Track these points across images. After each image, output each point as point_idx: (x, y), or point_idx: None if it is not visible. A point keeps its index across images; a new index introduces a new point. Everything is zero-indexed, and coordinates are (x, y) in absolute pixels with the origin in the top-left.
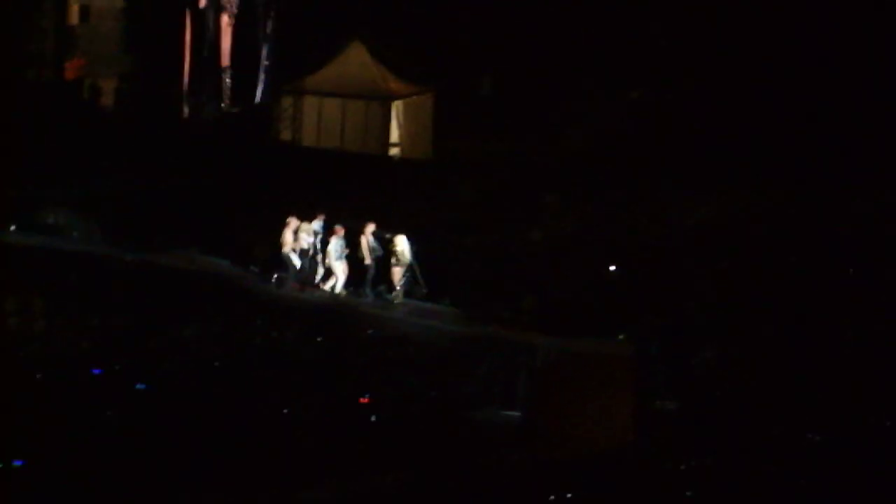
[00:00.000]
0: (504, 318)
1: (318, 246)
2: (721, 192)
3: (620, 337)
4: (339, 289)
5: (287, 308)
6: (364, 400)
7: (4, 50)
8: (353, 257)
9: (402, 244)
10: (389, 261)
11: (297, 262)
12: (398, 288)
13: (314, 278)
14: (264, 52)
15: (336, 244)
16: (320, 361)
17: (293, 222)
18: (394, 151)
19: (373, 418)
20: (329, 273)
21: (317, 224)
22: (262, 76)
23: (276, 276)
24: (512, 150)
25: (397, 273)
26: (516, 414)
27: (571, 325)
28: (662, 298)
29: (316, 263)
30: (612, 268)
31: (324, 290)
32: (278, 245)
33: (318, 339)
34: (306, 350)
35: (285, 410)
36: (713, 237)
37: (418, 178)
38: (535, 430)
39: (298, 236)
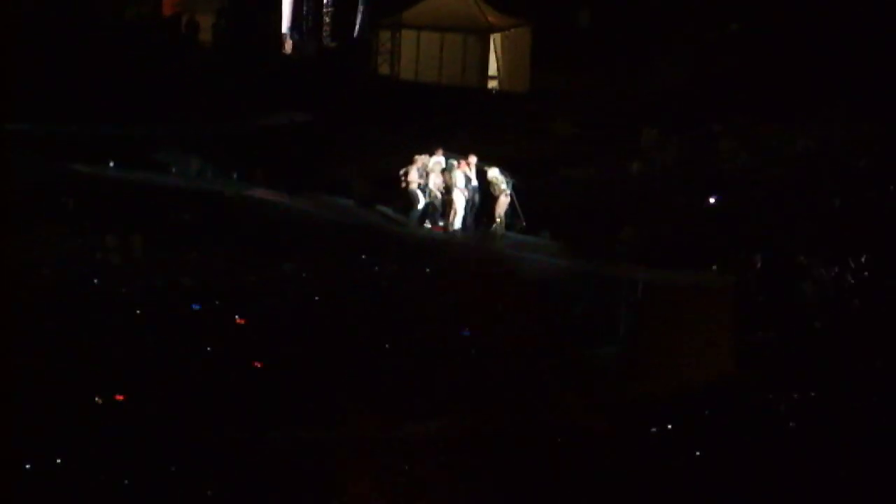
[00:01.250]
0: (604, 252)
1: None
2: (821, 123)
3: (716, 269)
4: (457, 224)
5: (402, 244)
6: (465, 334)
7: None
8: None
9: (494, 175)
10: (490, 193)
11: (422, 199)
12: (499, 220)
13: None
14: None
15: (461, 176)
16: (422, 296)
17: (420, 159)
18: (492, 84)
19: (473, 352)
20: (447, 206)
21: (439, 157)
22: (360, 10)
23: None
24: (610, 83)
25: (501, 205)
26: (618, 348)
27: (671, 257)
28: (762, 230)
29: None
30: (712, 200)
31: (449, 229)
32: (400, 183)
33: (422, 273)
34: (408, 284)
35: (387, 345)
36: (813, 168)
37: (516, 111)
38: (637, 363)
39: (427, 173)
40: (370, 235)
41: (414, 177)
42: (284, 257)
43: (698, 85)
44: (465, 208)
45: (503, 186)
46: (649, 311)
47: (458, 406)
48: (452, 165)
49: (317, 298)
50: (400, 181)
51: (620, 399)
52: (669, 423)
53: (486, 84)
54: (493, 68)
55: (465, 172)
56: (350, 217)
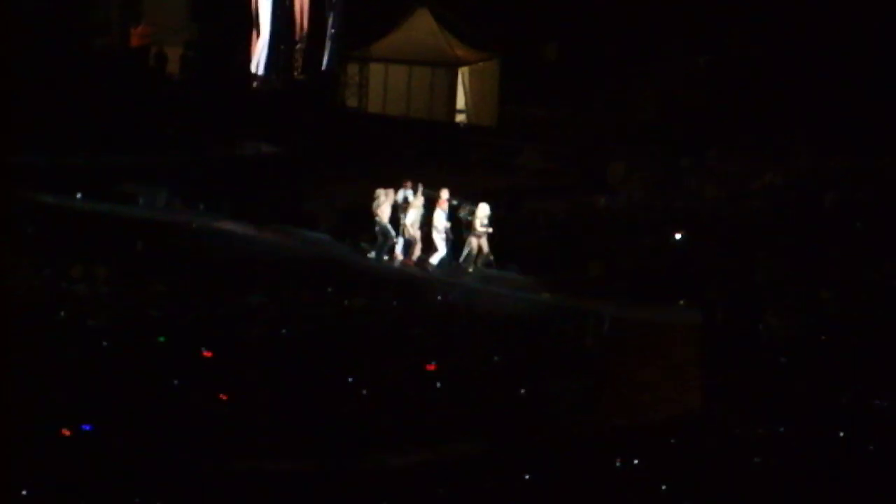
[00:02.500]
0: (570, 285)
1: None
2: (788, 157)
3: (683, 303)
4: (435, 261)
5: (370, 278)
6: (430, 367)
7: (71, 18)
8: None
9: (483, 212)
10: (470, 230)
11: (393, 234)
12: (484, 254)
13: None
14: (331, 19)
15: (440, 214)
16: (389, 329)
17: (386, 193)
18: (460, 118)
19: (438, 385)
20: (430, 245)
21: (407, 192)
22: (328, 44)
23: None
24: (577, 117)
25: (481, 242)
26: (583, 381)
27: (637, 291)
28: (729, 265)
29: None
30: (678, 235)
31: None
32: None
33: (389, 307)
34: (376, 318)
35: (350, 379)
36: (780, 203)
37: (484, 145)
38: (602, 397)
39: (404, 208)
40: (339, 269)
41: (385, 211)
42: (251, 290)
43: (666, 119)
44: (447, 246)
45: (485, 224)
46: (615, 346)
47: (424, 437)
48: (411, 200)
49: (283, 331)
50: (373, 215)
51: (585, 432)
52: (634, 457)
53: (454, 117)
54: (461, 102)
55: (443, 210)
56: (319, 250)
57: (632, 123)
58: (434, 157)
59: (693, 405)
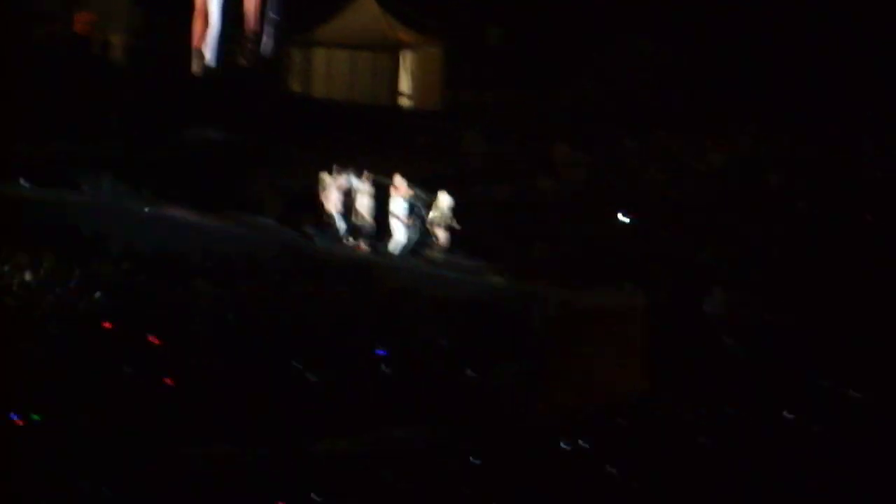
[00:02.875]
0: (517, 269)
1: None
2: (732, 138)
3: (629, 286)
4: (392, 248)
5: (316, 263)
6: (377, 352)
7: (11, 6)
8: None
9: (445, 203)
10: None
11: (340, 221)
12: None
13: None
14: (270, 3)
15: (398, 202)
16: (336, 315)
17: (337, 179)
18: (404, 102)
19: (385, 369)
20: (388, 233)
21: (344, 178)
22: (269, 29)
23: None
24: (521, 100)
25: (440, 232)
26: (530, 364)
27: (582, 274)
28: (674, 247)
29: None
30: (624, 217)
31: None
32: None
33: (335, 293)
34: (323, 303)
35: (295, 363)
36: (724, 184)
37: (428, 129)
38: (548, 380)
39: (353, 194)
40: (286, 254)
41: (331, 196)
42: (196, 275)
43: (610, 100)
44: (408, 233)
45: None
46: (559, 328)
47: (370, 422)
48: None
49: (230, 317)
50: (321, 202)
51: (531, 415)
52: (581, 439)
53: (397, 102)
54: (404, 86)
55: (402, 197)
56: (266, 235)
57: (577, 105)
58: (378, 142)
59: (640, 388)
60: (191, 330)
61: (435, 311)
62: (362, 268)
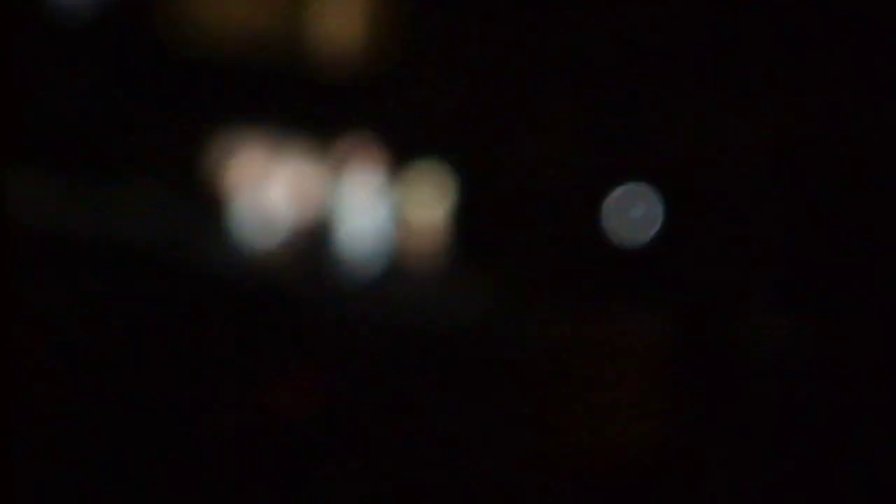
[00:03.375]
0: (489, 283)
1: None
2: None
3: (645, 306)
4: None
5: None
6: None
7: None
8: None
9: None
10: None
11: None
12: None
13: None
14: None
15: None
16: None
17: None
18: (325, 48)
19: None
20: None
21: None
22: None
23: None
24: (492, 47)
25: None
26: (509, 411)
27: (582, 289)
28: (714, 253)
29: None
30: (636, 211)
31: None
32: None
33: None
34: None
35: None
36: (776, 162)
37: (359, 86)
38: (537, 435)
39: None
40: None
41: (247, 178)
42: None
43: (610, 49)
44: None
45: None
46: (552, 363)
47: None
48: None
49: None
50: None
51: (514, 484)
52: None
53: (316, 48)
54: (325, 27)
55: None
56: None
57: (568, 54)
58: (290, 102)
59: (663, 444)
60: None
61: (381, 338)
62: (277, 277)
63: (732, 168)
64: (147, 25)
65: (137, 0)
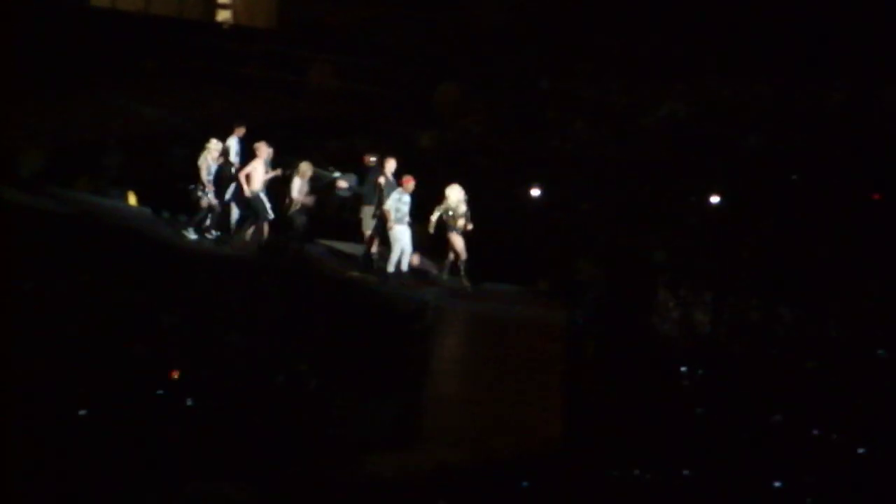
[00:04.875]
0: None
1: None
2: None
3: (543, 288)
4: (405, 266)
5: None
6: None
7: None
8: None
9: (456, 195)
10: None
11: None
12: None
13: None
14: None
15: (399, 200)
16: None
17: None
18: (223, 16)
19: (189, 402)
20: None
21: (232, 141)
22: None
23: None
24: (385, 18)
25: (458, 242)
26: (399, 400)
27: (478, 271)
28: (611, 238)
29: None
30: (536, 191)
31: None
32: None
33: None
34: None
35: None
36: (683, 145)
37: (259, 55)
38: (423, 423)
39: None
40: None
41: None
42: None
43: (519, 23)
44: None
45: (461, 213)
46: (447, 347)
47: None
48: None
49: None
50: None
51: (399, 472)
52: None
53: (214, 15)
54: None
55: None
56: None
57: (466, 25)
58: (186, 72)
59: (551, 435)
60: None
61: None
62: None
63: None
64: None
65: None
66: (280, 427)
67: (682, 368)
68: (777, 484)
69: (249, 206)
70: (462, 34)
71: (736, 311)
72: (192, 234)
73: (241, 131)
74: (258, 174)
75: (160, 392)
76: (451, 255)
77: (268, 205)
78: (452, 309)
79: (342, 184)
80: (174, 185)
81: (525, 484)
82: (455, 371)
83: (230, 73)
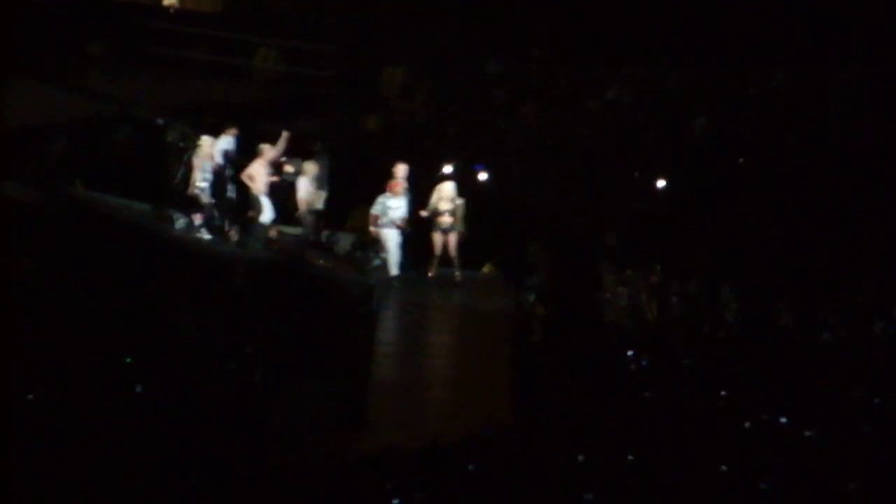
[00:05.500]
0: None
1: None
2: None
3: (488, 271)
4: (395, 270)
5: None
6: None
7: None
8: None
9: (448, 193)
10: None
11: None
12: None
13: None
14: None
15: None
16: None
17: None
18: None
19: (138, 389)
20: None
21: (224, 142)
22: None
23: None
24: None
25: (448, 239)
26: (347, 380)
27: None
28: (555, 220)
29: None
30: (482, 175)
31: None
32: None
33: None
34: None
35: None
36: (628, 128)
37: (204, 39)
38: (373, 404)
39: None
40: None
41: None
42: None
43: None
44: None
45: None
46: (390, 333)
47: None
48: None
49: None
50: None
51: (346, 455)
52: (412, 488)
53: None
54: None
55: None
56: None
57: (412, 7)
58: (126, 56)
59: (499, 418)
60: None
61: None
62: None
63: (577, 129)
64: None
65: None
66: (229, 412)
67: (629, 352)
68: (723, 468)
69: (253, 207)
70: (408, 17)
71: (682, 295)
72: (206, 234)
73: (233, 131)
74: (261, 175)
75: (109, 378)
76: (438, 252)
77: (270, 206)
78: (400, 293)
79: (289, 168)
80: (119, 169)
81: (471, 467)
82: (403, 354)
83: (177, 56)
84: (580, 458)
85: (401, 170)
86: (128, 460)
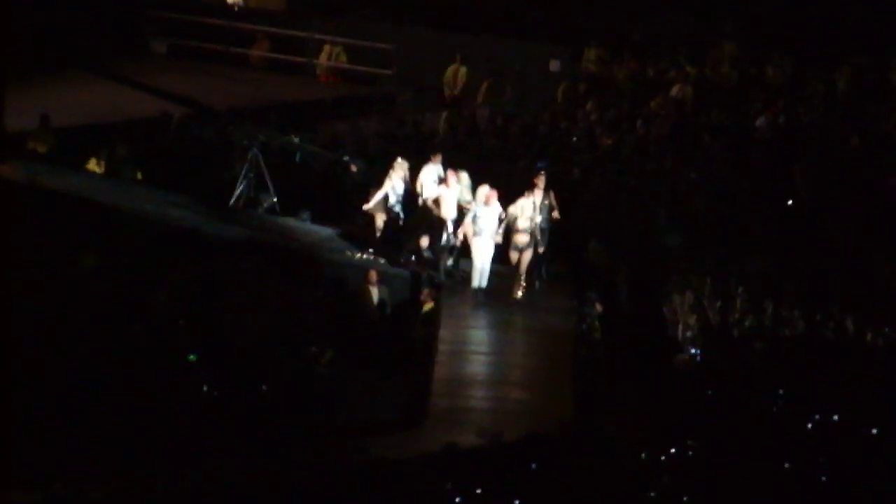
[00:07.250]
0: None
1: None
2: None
3: (554, 270)
4: (482, 281)
5: None
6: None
7: None
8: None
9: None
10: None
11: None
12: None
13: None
14: None
15: (484, 210)
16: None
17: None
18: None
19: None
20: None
21: (434, 169)
22: None
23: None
24: None
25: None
26: (409, 378)
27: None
28: (622, 223)
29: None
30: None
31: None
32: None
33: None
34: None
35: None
36: (684, 129)
37: (269, 37)
38: (427, 402)
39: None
40: None
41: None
42: None
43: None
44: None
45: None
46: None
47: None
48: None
49: None
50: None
51: (408, 452)
52: (477, 487)
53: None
54: None
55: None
56: None
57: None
58: (189, 54)
59: (564, 415)
60: None
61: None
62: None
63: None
64: None
65: None
66: (290, 408)
67: (693, 350)
68: (787, 465)
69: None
70: (467, 15)
71: (744, 296)
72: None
73: (437, 158)
74: (449, 200)
75: (175, 374)
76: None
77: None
78: (463, 291)
79: (354, 167)
80: (183, 167)
81: (533, 465)
82: (464, 353)
83: (239, 55)
84: (643, 455)
85: (541, 180)
86: (195, 454)
